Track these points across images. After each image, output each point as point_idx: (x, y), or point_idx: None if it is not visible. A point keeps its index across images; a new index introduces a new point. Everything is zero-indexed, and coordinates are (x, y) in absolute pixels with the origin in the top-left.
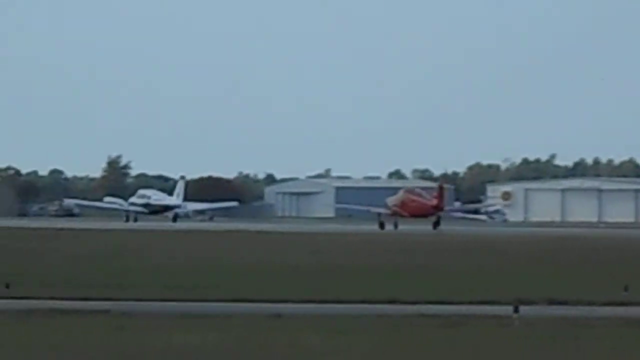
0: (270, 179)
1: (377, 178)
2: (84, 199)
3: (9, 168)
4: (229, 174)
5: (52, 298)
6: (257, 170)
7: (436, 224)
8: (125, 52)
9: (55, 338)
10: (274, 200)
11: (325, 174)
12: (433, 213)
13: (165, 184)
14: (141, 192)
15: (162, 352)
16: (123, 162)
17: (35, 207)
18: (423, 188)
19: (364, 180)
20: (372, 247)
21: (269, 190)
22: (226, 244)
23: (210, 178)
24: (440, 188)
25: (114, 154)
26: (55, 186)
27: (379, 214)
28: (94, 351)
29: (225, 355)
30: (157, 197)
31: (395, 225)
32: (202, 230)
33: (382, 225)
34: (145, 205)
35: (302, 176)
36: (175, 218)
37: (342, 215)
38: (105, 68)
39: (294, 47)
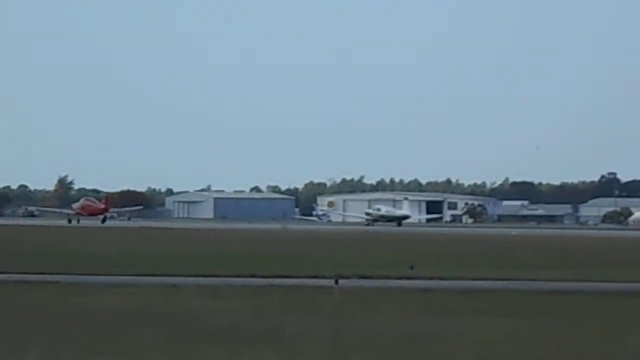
0: (170, 192)
1: (243, 191)
2: (43, 205)
3: None
4: (142, 187)
5: (17, 272)
6: (161, 185)
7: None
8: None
9: (23, 300)
10: (172, 207)
11: (207, 188)
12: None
13: (97, 195)
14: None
15: (96, 309)
16: (69, 179)
17: (8, 211)
18: (272, 199)
19: (235, 193)
20: (245, 238)
21: (168, 200)
22: (137, 235)
23: (128, 191)
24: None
25: (63, 174)
26: (22, 196)
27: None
28: (48, 308)
29: (139, 310)
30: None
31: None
32: (122, 226)
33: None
34: None
35: (191, 189)
36: (104, 219)
37: (219, 217)
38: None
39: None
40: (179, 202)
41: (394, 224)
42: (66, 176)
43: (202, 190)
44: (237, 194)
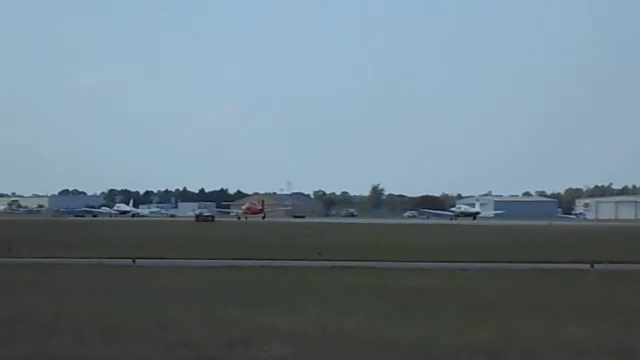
0: (459, 196)
1: (517, 195)
2: (360, 208)
3: None
4: (438, 193)
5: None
6: (452, 191)
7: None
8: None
9: (350, 280)
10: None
11: (489, 193)
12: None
13: (403, 199)
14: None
15: (408, 288)
16: (380, 187)
17: (333, 212)
18: (540, 201)
19: (510, 197)
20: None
21: (458, 202)
22: (436, 230)
23: (427, 196)
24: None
25: (375, 182)
26: (344, 200)
27: None
28: (374, 287)
29: (441, 288)
30: None
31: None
32: (419, 223)
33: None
34: None
35: (476, 194)
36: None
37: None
38: None
39: None
40: (466, 204)
41: (470, 218)
42: (378, 184)
43: (485, 195)
44: (512, 197)
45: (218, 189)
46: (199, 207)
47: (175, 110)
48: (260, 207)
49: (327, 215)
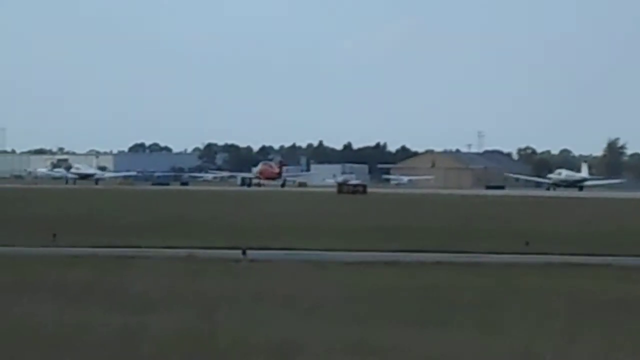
0: None
1: None
2: (591, 173)
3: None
4: None
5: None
6: None
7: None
8: None
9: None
10: None
11: None
12: None
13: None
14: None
15: None
16: (619, 143)
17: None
18: None
19: None
20: None
21: None
22: None
23: None
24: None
25: (612, 137)
26: (564, 162)
27: None
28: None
29: None
30: None
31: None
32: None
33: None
34: None
35: None
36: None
37: None
38: None
39: None
40: None
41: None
42: (617, 140)
43: None
44: None
45: (372, 144)
46: (343, 172)
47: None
48: (277, 171)
49: (537, 185)
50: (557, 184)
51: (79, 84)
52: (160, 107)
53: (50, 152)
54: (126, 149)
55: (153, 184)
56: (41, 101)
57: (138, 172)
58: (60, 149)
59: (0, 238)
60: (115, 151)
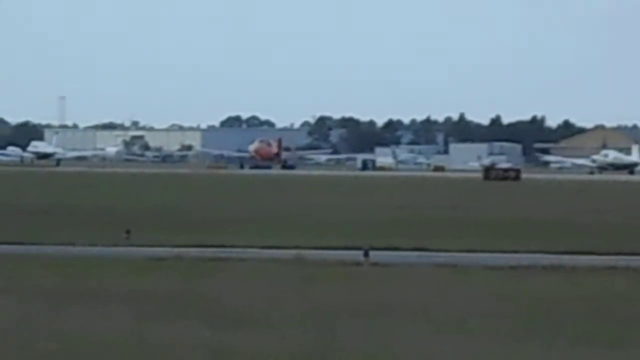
0: None
1: None
2: None
3: None
4: None
5: None
6: None
7: None
8: None
9: None
10: None
11: None
12: None
13: None
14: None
15: None
16: None
17: None
18: None
19: None
20: None
21: None
22: None
23: None
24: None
25: None
26: None
27: None
28: None
29: None
30: None
31: None
32: None
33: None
34: None
35: None
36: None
37: None
38: None
39: None
40: None
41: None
42: None
43: None
44: None
45: (526, 118)
46: (490, 154)
47: None
48: (276, 150)
49: None
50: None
51: (160, 43)
52: (260, 72)
53: (122, 127)
54: (217, 124)
55: (251, 167)
56: (110, 66)
57: (232, 151)
58: (135, 123)
59: (65, 236)
60: (204, 126)
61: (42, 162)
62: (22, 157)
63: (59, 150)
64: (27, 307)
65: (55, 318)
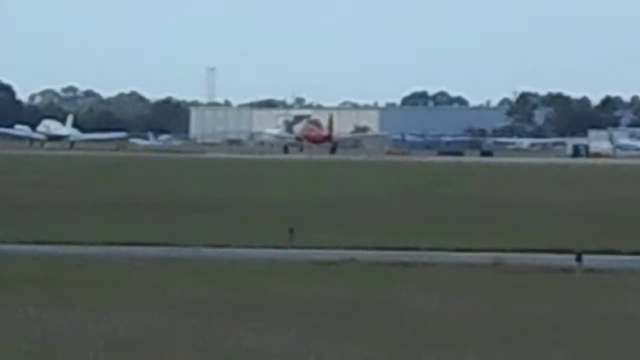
0: None
1: None
2: None
3: None
4: None
5: None
6: None
7: None
8: None
9: None
10: None
11: None
12: None
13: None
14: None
15: None
16: None
17: None
18: None
19: None
20: None
21: None
22: None
23: None
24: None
25: None
26: None
27: None
28: None
29: None
30: None
31: None
32: None
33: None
34: None
35: None
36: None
37: None
38: None
39: None
40: None
41: None
42: None
43: None
44: None
45: None
46: None
47: None
48: (326, 133)
49: None
50: None
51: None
52: (450, 39)
53: (284, 105)
54: (398, 101)
55: (440, 154)
56: (268, 32)
57: (416, 134)
58: (299, 101)
59: (218, 236)
60: (382, 104)
61: (57, 144)
62: (31, 137)
63: (74, 132)
64: (179, 321)
65: (210, 333)
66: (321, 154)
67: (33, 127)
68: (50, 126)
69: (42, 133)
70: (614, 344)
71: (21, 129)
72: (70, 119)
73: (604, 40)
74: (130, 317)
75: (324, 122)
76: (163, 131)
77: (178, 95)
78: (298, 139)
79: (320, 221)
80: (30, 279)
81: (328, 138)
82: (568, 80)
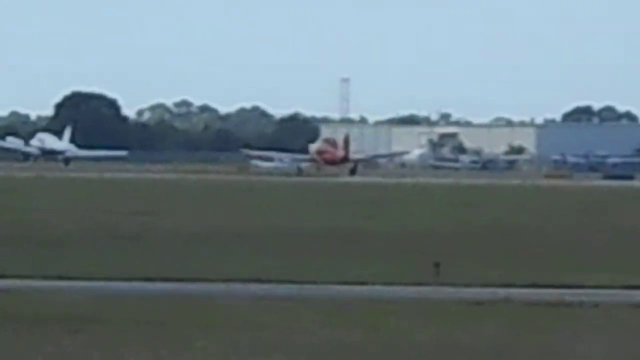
0: None
1: None
2: None
3: None
4: None
5: None
6: None
7: None
8: None
9: None
10: None
11: None
12: None
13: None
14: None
15: None
16: None
17: None
18: None
19: None
20: None
21: None
22: None
23: None
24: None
25: None
26: None
27: None
28: None
29: None
30: None
31: None
32: None
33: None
34: None
35: None
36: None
37: None
38: None
39: None
40: None
41: None
42: None
43: None
44: None
45: None
46: None
47: None
48: (343, 153)
49: None
50: None
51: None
52: (616, 48)
53: (427, 122)
54: (558, 117)
55: (605, 177)
56: (405, 39)
57: (580, 155)
58: (444, 117)
59: (351, 270)
60: (539, 120)
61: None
62: (25, 152)
63: (71, 147)
64: None
65: None
66: (464, 178)
67: (144, 147)
68: (45, 140)
69: (35, 147)
70: None
71: (12, 142)
72: (67, 132)
73: None
74: None
75: (339, 143)
76: (286, 150)
77: (306, 111)
78: (312, 159)
79: (470, 254)
80: (140, 319)
81: (345, 159)
82: None
